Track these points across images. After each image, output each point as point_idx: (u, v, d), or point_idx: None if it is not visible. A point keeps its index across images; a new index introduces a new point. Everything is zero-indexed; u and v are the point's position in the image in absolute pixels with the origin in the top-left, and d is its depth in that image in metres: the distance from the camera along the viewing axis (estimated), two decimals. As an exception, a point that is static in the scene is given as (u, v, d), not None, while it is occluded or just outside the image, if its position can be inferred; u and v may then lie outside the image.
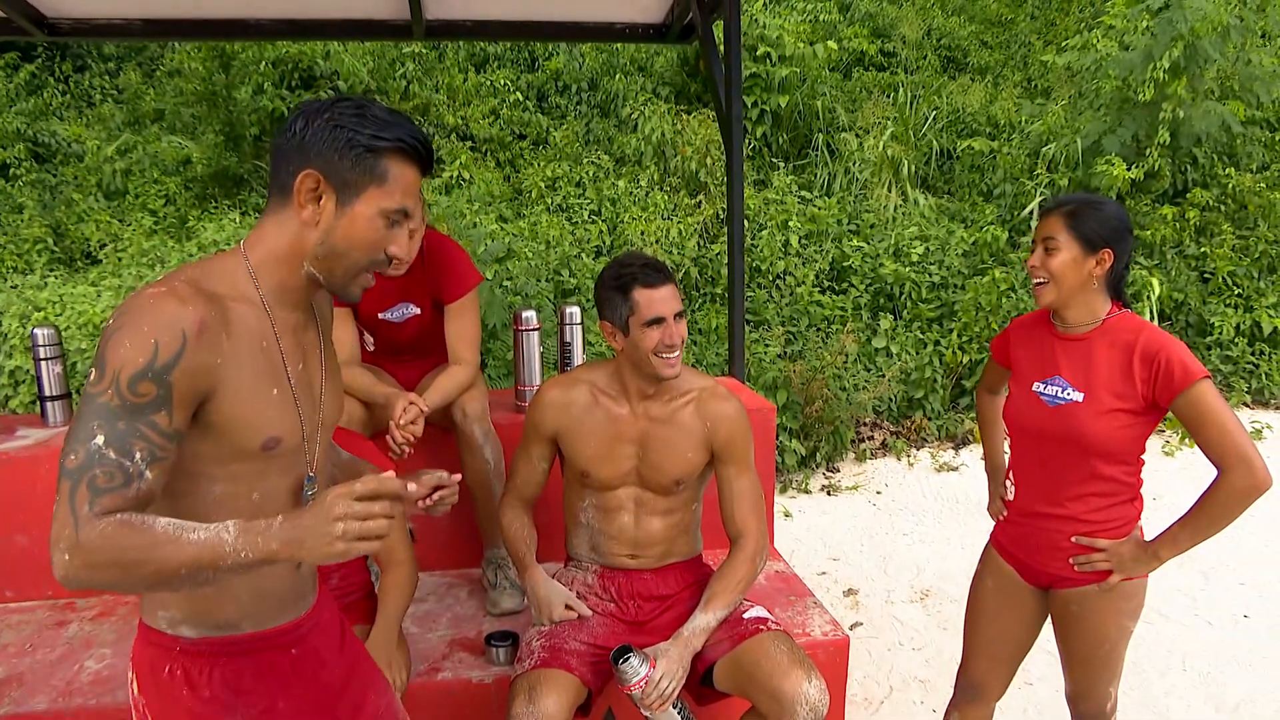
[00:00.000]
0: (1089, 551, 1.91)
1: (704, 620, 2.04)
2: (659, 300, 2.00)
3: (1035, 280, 1.90)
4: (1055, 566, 1.97)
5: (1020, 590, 2.06)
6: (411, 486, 1.26)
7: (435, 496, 1.34)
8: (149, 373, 1.09)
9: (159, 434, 1.10)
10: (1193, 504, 1.81)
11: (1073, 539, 1.92)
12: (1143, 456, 1.93)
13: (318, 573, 2.07)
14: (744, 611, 2.12)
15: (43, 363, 2.97)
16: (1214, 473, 1.79)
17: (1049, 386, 1.92)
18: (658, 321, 2.00)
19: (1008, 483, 2.07)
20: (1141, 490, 1.96)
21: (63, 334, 3.16)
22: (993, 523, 2.19)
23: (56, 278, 6.46)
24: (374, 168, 1.21)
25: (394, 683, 2.00)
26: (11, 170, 7.51)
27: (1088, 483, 1.89)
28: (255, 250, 1.25)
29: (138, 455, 1.08)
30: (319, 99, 1.24)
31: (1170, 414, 1.82)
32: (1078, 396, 1.87)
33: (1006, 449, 2.14)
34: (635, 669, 1.91)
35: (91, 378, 1.09)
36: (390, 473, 1.14)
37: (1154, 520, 1.91)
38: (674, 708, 1.96)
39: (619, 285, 2.03)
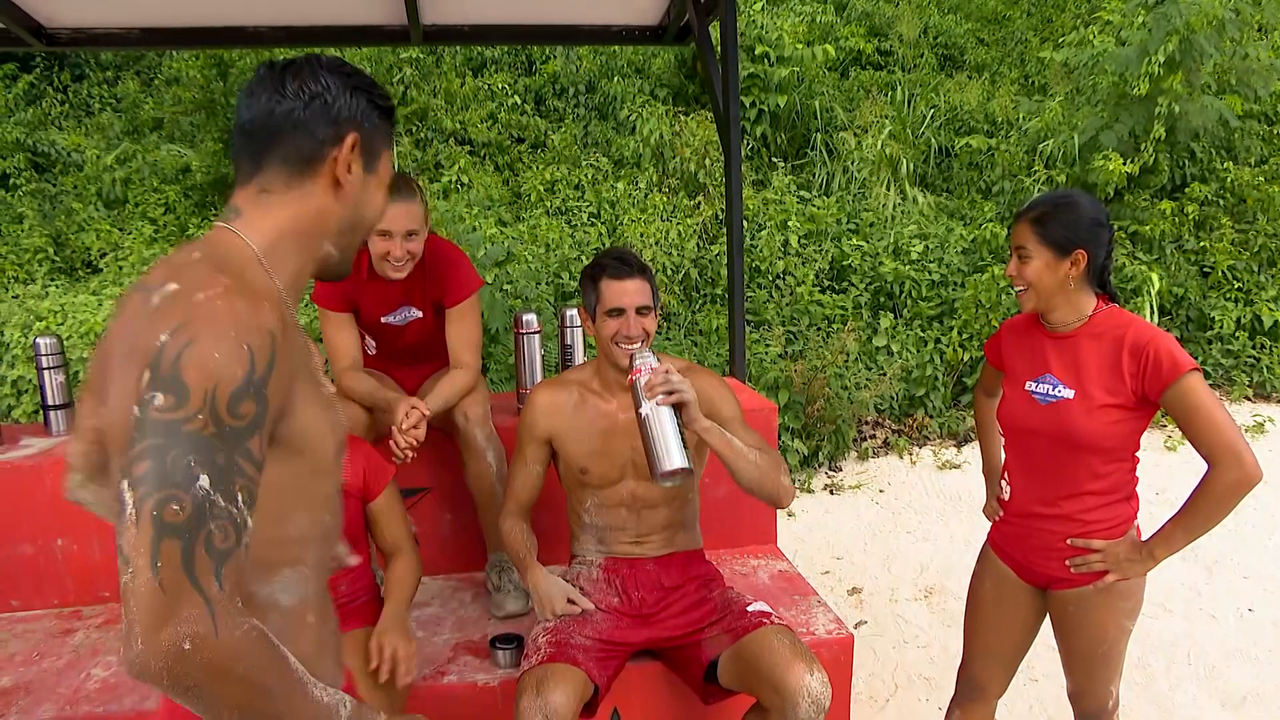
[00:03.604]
0: (1085, 553, 1.90)
1: (713, 423, 1.96)
2: (621, 292, 2.10)
3: (1015, 288, 1.92)
4: (1051, 567, 1.96)
5: (1018, 590, 2.06)
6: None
7: None
8: (250, 387, 0.88)
9: (254, 466, 0.89)
10: (1185, 501, 1.80)
11: (1068, 541, 1.91)
12: (1137, 454, 1.92)
13: (328, 585, 2.08)
14: (746, 605, 2.14)
15: (45, 372, 2.97)
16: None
17: (1040, 385, 1.92)
18: (617, 312, 2.10)
19: (1003, 483, 2.07)
20: (1137, 489, 1.96)
21: (65, 343, 3.16)
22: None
23: (58, 287, 6.47)
24: (389, 130, 1.15)
25: (405, 665, 2.00)
26: (11, 180, 7.53)
27: (1082, 481, 1.88)
28: (263, 236, 1.05)
29: (240, 498, 0.86)
30: (279, 59, 1.12)
31: (1162, 408, 1.82)
32: (1068, 394, 1.86)
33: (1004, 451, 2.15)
34: (649, 358, 1.90)
35: (161, 402, 0.84)
36: None
37: (1158, 516, 1.91)
38: (672, 419, 1.84)
39: (591, 275, 2.15)
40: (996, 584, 2.09)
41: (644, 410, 1.84)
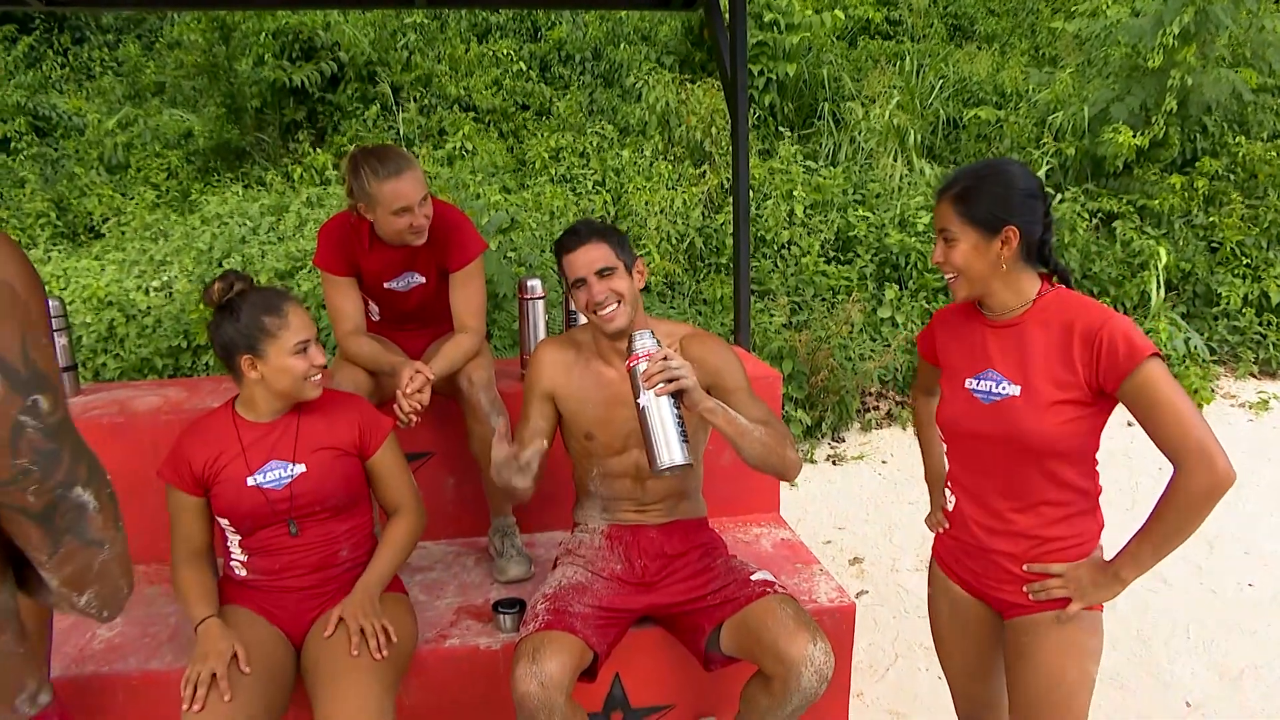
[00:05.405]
0: (1043, 578, 1.66)
1: (718, 402, 1.92)
2: (577, 263, 2.06)
3: (945, 275, 1.70)
4: (1005, 592, 1.72)
5: (976, 609, 1.82)
6: None
7: None
8: None
9: None
10: (1151, 512, 1.55)
11: (1025, 567, 1.68)
12: (1098, 456, 1.68)
13: (330, 546, 2.07)
14: (749, 574, 2.14)
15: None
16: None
17: (982, 382, 1.68)
18: (580, 283, 2.06)
19: (947, 491, 1.84)
20: (1100, 499, 1.71)
21: (68, 307, 3.15)
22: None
23: (60, 252, 6.46)
24: None
25: (375, 639, 1.95)
26: (12, 144, 7.49)
27: (1036, 491, 1.64)
28: None
29: None
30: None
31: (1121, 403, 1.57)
32: (1014, 390, 1.62)
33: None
34: (647, 341, 1.82)
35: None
36: None
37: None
38: (672, 409, 1.80)
39: (556, 254, 2.11)
40: (953, 608, 1.86)
41: (642, 401, 1.79)
